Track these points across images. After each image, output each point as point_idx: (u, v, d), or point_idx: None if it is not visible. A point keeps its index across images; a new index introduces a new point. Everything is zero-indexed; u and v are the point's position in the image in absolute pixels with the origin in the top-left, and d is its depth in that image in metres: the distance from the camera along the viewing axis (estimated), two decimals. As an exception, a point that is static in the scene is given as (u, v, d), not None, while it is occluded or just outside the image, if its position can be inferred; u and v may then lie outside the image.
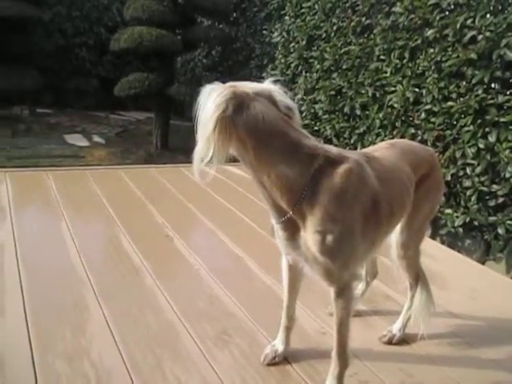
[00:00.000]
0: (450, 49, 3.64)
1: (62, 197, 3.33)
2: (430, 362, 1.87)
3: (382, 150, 1.68)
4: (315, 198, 1.35)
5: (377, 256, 2.11)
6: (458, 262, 3.00)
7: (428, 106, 3.80)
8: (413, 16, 3.93)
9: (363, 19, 4.51)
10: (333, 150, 1.42)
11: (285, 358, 1.78)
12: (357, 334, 1.99)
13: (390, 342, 1.96)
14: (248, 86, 1.38)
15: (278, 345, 1.79)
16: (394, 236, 1.82)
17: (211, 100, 1.33)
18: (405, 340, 1.99)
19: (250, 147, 1.34)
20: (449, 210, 3.71)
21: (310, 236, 1.38)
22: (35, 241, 2.67)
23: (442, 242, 3.84)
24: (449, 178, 3.65)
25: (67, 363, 1.66)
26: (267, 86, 1.42)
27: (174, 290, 2.22)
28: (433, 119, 3.80)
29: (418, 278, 1.93)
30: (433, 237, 3.96)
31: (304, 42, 5.34)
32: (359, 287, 2.16)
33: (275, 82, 1.43)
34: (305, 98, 5.35)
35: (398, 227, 1.80)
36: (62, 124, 7.99)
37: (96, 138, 7.35)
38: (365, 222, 1.42)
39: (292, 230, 1.42)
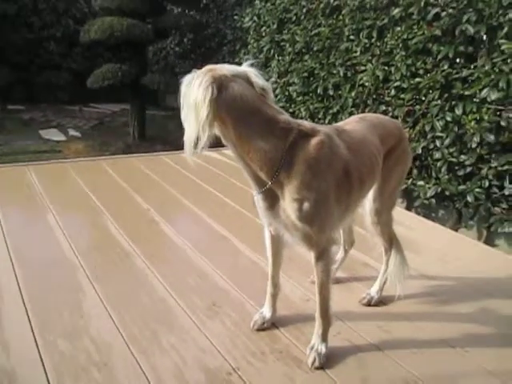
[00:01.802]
0: (415, 26, 3.77)
1: (46, 190, 3.37)
2: (405, 318, 2.03)
3: (353, 123, 1.80)
4: (291, 169, 1.47)
5: (353, 225, 2.25)
6: (431, 229, 3.18)
7: (397, 83, 3.95)
8: (379, -4, 4.05)
9: (331, 1, 4.60)
10: (306, 124, 1.54)
11: (273, 324, 1.91)
12: (338, 299, 2.14)
13: (368, 304, 2.11)
14: (226, 69, 1.48)
15: (266, 312, 1.91)
16: (368, 204, 1.96)
17: (196, 86, 1.42)
18: (382, 301, 2.14)
19: (230, 126, 1.45)
20: (421, 182, 3.88)
21: (288, 204, 1.50)
22: (24, 234, 2.72)
23: (417, 214, 4.02)
24: (420, 151, 3.82)
25: (68, 341, 1.75)
26: (244, 68, 1.52)
27: (164, 270, 2.32)
28: (402, 95, 3.95)
29: (392, 242, 2.07)
30: (408, 209, 4.15)
31: (275, 26, 5.42)
32: (338, 256, 2.30)
33: (251, 64, 1.53)
34: (278, 80, 5.44)
35: (371, 196, 1.93)
36: (36, 119, 7.90)
37: (72, 132, 7.31)
38: (337, 188, 1.54)
39: (272, 200, 1.54)
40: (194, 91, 1.42)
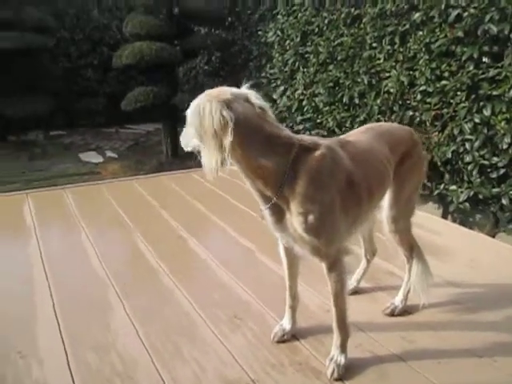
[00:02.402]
0: (437, 29, 3.72)
1: (80, 211, 3.54)
2: (430, 328, 1.98)
3: (358, 134, 1.81)
4: (294, 183, 1.50)
5: (373, 234, 2.23)
6: (461, 235, 3.10)
7: (423, 88, 3.89)
8: (398, 2, 4.03)
9: (352, 10, 4.61)
10: (307, 138, 1.57)
11: (293, 336, 1.92)
12: (361, 309, 2.14)
13: (392, 314, 2.07)
14: (228, 92, 1.52)
15: (286, 324, 1.93)
16: (384, 212, 1.94)
17: (208, 113, 1.44)
18: (407, 311, 2.10)
19: (235, 145, 1.48)
20: (453, 187, 3.78)
21: (294, 218, 1.52)
22: (59, 253, 2.87)
23: (454, 220, 3.91)
24: (449, 155, 3.74)
25: (96, 354, 1.84)
26: (243, 90, 1.56)
27: (189, 285, 2.38)
28: (428, 99, 3.89)
29: (413, 250, 2.04)
30: (444, 215, 4.03)
31: (298, 39, 5.47)
32: (360, 266, 2.28)
33: (251, 87, 1.57)
34: (305, 92, 5.47)
35: (387, 203, 1.92)
36: (76, 143, 8.28)
37: (109, 153, 7.61)
38: (343, 199, 1.55)
39: (279, 214, 1.57)
40: (208, 118, 1.44)
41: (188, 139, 1.59)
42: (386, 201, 1.91)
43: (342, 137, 1.82)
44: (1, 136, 8.27)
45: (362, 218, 1.71)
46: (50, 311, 2.16)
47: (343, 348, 1.72)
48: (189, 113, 1.53)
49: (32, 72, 7.93)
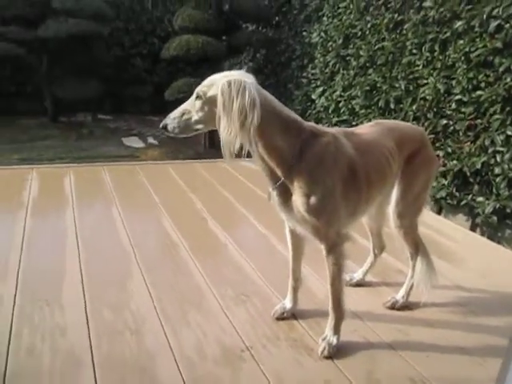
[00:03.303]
0: (477, 39, 3.71)
1: (115, 187, 3.78)
2: (428, 325, 2.04)
3: (366, 127, 1.90)
4: (301, 166, 1.61)
5: (382, 230, 2.30)
6: (478, 244, 3.10)
7: (458, 97, 3.88)
8: (442, 9, 4.03)
9: (395, 15, 4.64)
10: (315, 125, 1.67)
11: (292, 315, 2.04)
12: (363, 300, 2.22)
13: (392, 308, 2.14)
14: (249, 75, 1.62)
15: (287, 303, 2.04)
16: (391, 207, 2.01)
17: (236, 93, 1.50)
18: (408, 307, 2.16)
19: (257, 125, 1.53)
20: (481, 198, 3.76)
21: (297, 198, 1.64)
22: (91, 222, 3.10)
23: (482, 234, 3.87)
24: (479, 166, 3.71)
25: (111, 311, 2.02)
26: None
27: (204, 261, 2.54)
28: (463, 109, 3.87)
29: (418, 247, 2.10)
30: (473, 228, 4.00)
31: (341, 41, 5.54)
32: (367, 259, 2.36)
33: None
34: (343, 94, 5.53)
35: (394, 199, 1.99)
36: (121, 128, 8.69)
37: (150, 140, 7.95)
38: (344, 185, 1.65)
39: (285, 195, 1.68)
40: (241, 97, 1.49)
41: (191, 117, 1.61)
42: (394, 197, 1.99)
43: (349, 128, 1.91)
44: (53, 116, 8.79)
45: (361, 206, 1.80)
46: (76, 270, 2.38)
47: (336, 329, 1.82)
48: (211, 89, 1.57)
49: (86, 58, 8.39)
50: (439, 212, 4.26)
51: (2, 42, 7.78)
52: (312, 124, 1.67)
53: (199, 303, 2.14)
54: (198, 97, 1.63)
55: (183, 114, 1.65)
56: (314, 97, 6.11)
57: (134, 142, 7.79)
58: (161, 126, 1.67)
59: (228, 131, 1.54)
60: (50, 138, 7.65)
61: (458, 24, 3.83)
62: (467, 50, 3.77)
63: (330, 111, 5.75)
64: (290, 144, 1.61)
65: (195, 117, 1.63)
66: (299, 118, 1.66)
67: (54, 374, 1.63)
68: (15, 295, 2.11)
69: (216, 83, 1.58)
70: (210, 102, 1.60)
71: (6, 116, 8.75)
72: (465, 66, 3.80)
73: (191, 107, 1.64)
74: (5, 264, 2.41)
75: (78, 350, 1.76)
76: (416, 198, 2.00)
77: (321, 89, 5.99)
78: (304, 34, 6.47)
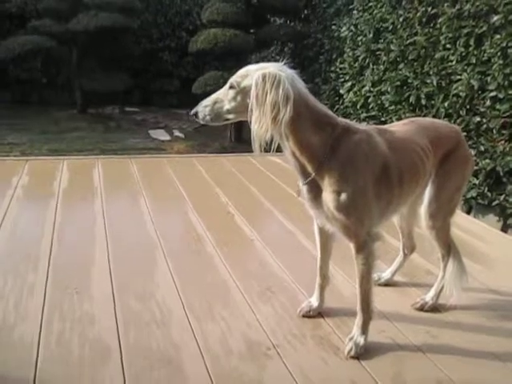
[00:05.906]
0: (516, 34, 3.58)
1: (142, 179, 3.83)
2: (458, 328, 1.98)
3: (400, 125, 1.85)
4: (332, 163, 1.58)
5: (413, 230, 2.24)
6: (511, 246, 2.99)
7: (493, 93, 3.76)
8: (478, 3, 3.90)
9: (429, 9, 4.51)
10: (349, 122, 1.64)
11: (319, 313, 2.01)
12: (391, 300, 2.18)
13: (421, 309, 2.09)
14: (286, 68, 1.58)
15: (314, 301, 2.02)
16: (423, 207, 1.96)
17: (270, 85, 1.48)
18: (437, 308, 2.10)
19: (290, 119, 1.51)
20: (513, 199, 3.65)
21: (328, 195, 1.61)
22: (119, 213, 3.16)
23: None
24: (512, 166, 3.60)
25: (138, 301, 2.05)
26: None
27: (230, 255, 2.54)
28: (498, 106, 3.75)
29: (450, 249, 2.04)
30: (504, 229, 3.88)
31: (371, 35, 5.43)
32: (397, 259, 2.31)
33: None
34: (372, 89, 5.43)
35: (427, 199, 1.94)
36: (148, 121, 8.78)
37: (177, 133, 8.00)
38: (376, 183, 1.61)
39: (315, 191, 1.66)
40: (275, 89, 1.47)
41: (223, 106, 1.60)
42: (426, 197, 1.93)
43: (382, 126, 1.87)
44: (82, 108, 8.96)
45: (393, 205, 1.75)
46: (104, 260, 2.42)
47: (364, 329, 1.79)
48: (245, 80, 1.56)
49: (114, 51, 8.49)
50: (468, 212, 4.15)
51: (35, 35, 7.95)
52: (345, 120, 1.64)
53: (224, 297, 2.14)
54: (231, 86, 1.62)
55: (215, 103, 1.64)
56: (342, 91, 6.03)
57: (161, 135, 7.86)
58: (191, 112, 1.66)
59: (259, 124, 1.53)
60: (79, 130, 7.80)
61: (495, 18, 3.70)
62: (504, 45, 3.65)
63: (358, 107, 5.66)
64: (322, 140, 1.58)
65: (227, 106, 1.62)
66: (332, 114, 1.63)
67: (83, 361, 1.66)
68: (46, 284, 2.16)
69: (251, 74, 1.57)
70: (243, 93, 1.60)
71: (38, 106, 8.98)
72: (501, 62, 3.68)
73: (224, 96, 1.63)
74: (36, 254, 2.47)
75: (106, 338, 1.79)
76: (450, 199, 1.95)
77: (349, 83, 5.90)
78: (333, 27, 6.37)
